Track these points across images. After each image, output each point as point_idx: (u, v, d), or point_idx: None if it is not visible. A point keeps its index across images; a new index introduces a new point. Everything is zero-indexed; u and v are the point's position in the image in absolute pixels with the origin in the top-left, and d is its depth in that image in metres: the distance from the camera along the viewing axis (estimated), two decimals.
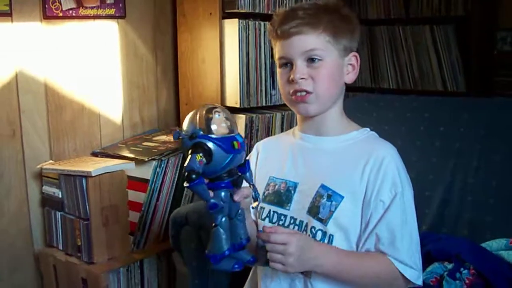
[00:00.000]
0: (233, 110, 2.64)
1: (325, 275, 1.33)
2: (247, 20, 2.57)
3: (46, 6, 2.33)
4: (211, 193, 1.21)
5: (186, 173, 1.13)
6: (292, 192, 1.46)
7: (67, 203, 2.30)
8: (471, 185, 1.89)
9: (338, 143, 1.46)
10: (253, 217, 1.53)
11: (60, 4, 2.37)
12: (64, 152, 2.48)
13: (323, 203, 1.38)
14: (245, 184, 1.32)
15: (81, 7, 2.44)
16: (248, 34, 2.57)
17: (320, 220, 1.38)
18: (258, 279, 1.50)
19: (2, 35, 2.23)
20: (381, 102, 2.18)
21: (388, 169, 1.37)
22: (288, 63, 1.42)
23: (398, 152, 1.43)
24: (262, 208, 1.50)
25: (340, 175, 1.41)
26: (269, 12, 2.64)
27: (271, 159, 1.57)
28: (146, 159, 2.33)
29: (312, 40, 1.38)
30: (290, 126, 2.77)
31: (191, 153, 1.15)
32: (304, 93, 1.39)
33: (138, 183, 2.36)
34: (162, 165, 2.37)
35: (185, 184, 1.14)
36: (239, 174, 1.27)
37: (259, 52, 2.63)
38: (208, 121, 1.18)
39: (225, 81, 2.63)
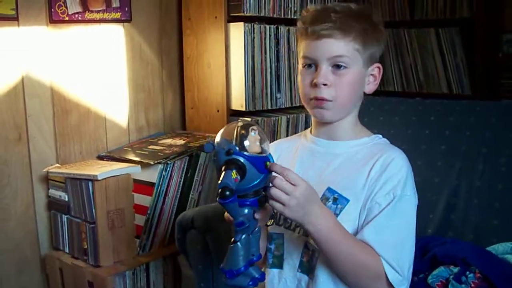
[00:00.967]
0: (239, 114, 2.65)
1: (315, 237, 1.28)
2: (252, 24, 2.57)
3: (52, 10, 2.34)
4: None
5: (220, 189, 1.11)
6: None
7: (73, 206, 2.30)
8: (477, 189, 1.89)
9: (348, 148, 1.45)
10: None
11: (66, 8, 2.38)
12: (70, 156, 2.49)
13: (329, 206, 1.38)
14: None
15: (87, 11, 2.45)
16: (254, 37, 2.58)
17: None
18: (265, 283, 1.50)
19: (8, 39, 2.25)
20: (386, 106, 2.18)
21: (392, 172, 1.36)
22: (312, 65, 1.40)
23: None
24: None
25: (346, 179, 1.40)
26: (274, 15, 2.65)
27: (281, 161, 1.56)
28: (152, 163, 2.34)
29: (341, 47, 1.36)
30: (296, 129, 2.77)
31: (225, 169, 1.14)
32: (322, 100, 1.38)
33: (144, 187, 2.36)
34: (168, 169, 2.37)
35: (218, 200, 1.13)
36: (264, 194, 1.25)
37: (264, 55, 2.64)
38: (243, 137, 1.17)
39: (230, 85, 2.64)
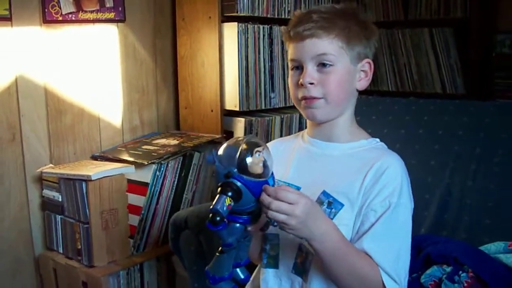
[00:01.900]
0: (233, 113, 2.65)
1: (321, 255, 1.26)
2: (246, 24, 2.58)
3: (46, 10, 2.33)
4: None
5: (210, 214, 1.10)
6: None
7: (67, 206, 2.30)
8: (470, 188, 1.89)
9: (345, 150, 1.45)
10: None
11: (60, 8, 2.37)
12: (64, 156, 2.49)
13: (323, 209, 1.37)
14: None
15: (80, 11, 2.45)
16: (247, 37, 2.58)
17: None
18: (260, 281, 1.50)
19: (2, 40, 2.24)
20: (380, 106, 2.18)
21: (388, 179, 1.35)
22: (299, 66, 1.41)
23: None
24: None
25: (342, 183, 1.40)
26: (268, 15, 2.65)
27: (277, 162, 1.56)
28: (146, 163, 2.33)
29: (325, 45, 1.36)
30: (289, 129, 2.78)
31: (220, 192, 1.12)
32: (312, 98, 1.38)
33: (137, 187, 2.36)
34: (162, 169, 2.37)
35: (208, 225, 1.11)
36: (258, 211, 1.23)
37: (258, 55, 2.64)
38: (246, 157, 1.15)
39: (224, 84, 2.64)
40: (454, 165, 1.94)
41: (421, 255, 1.72)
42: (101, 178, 2.23)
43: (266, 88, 2.70)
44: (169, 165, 2.40)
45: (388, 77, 3.51)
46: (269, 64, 2.70)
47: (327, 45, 1.36)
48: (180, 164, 2.45)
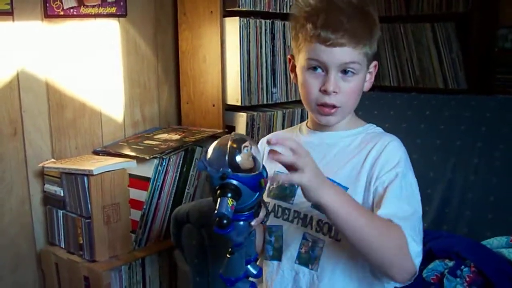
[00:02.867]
0: (234, 108, 2.65)
1: (335, 210, 1.20)
2: (248, 19, 2.57)
3: (47, 5, 2.33)
4: None
5: (217, 218, 1.08)
6: (296, 186, 1.46)
7: (68, 201, 2.30)
8: (472, 183, 1.90)
9: (343, 138, 1.45)
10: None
11: (61, 3, 2.37)
12: (66, 151, 2.49)
13: None
14: None
15: (82, 6, 2.44)
16: (249, 32, 2.57)
17: None
18: (264, 274, 1.51)
19: (3, 34, 2.24)
20: (382, 100, 2.18)
21: (391, 153, 1.36)
22: (319, 67, 1.37)
23: None
24: (268, 203, 1.51)
25: (343, 167, 1.40)
26: (270, 10, 2.64)
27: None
28: (148, 157, 2.33)
29: (353, 54, 1.33)
30: (291, 123, 2.78)
31: (220, 195, 1.11)
32: (332, 107, 1.37)
33: (139, 181, 2.36)
34: (164, 163, 2.37)
35: (215, 229, 1.10)
36: (259, 204, 1.24)
37: (260, 50, 2.63)
38: (235, 156, 1.14)
39: (226, 79, 2.63)
40: (456, 160, 1.94)
41: (423, 250, 1.72)
42: (103, 172, 2.23)
43: (268, 83, 2.69)
44: (171, 159, 2.40)
45: (390, 72, 3.51)
46: (271, 59, 2.69)
47: (355, 54, 1.33)
48: (181, 159, 2.45)
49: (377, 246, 1.24)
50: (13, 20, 2.25)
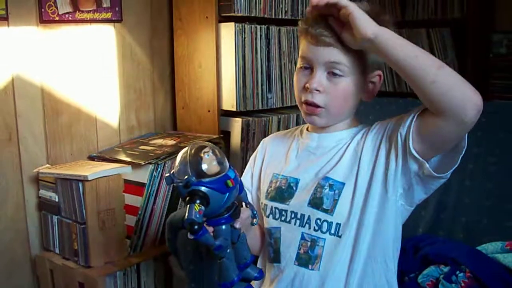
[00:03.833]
0: (230, 114, 2.65)
1: (385, 41, 1.21)
2: (243, 24, 2.57)
3: (43, 10, 2.32)
4: (211, 231, 1.22)
5: (188, 225, 1.12)
6: (294, 188, 1.47)
7: (63, 207, 2.29)
8: (467, 188, 1.90)
9: (339, 139, 1.46)
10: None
11: (57, 8, 2.37)
12: (61, 156, 2.48)
13: (326, 193, 1.38)
14: None
15: (77, 11, 2.44)
16: (244, 37, 2.57)
17: (325, 210, 1.38)
18: (267, 277, 1.51)
19: None
20: (377, 106, 2.18)
21: (377, 122, 1.42)
22: (308, 66, 1.39)
23: None
24: (266, 205, 1.51)
25: (339, 165, 1.41)
26: (265, 15, 2.64)
27: (276, 156, 1.57)
28: (143, 163, 2.33)
29: (340, 55, 1.33)
30: (286, 129, 2.76)
31: (188, 202, 1.14)
32: (314, 107, 1.38)
33: (134, 187, 2.36)
34: (159, 169, 2.37)
35: (189, 236, 1.14)
36: (237, 204, 1.27)
37: (255, 55, 2.63)
38: (199, 163, 1.17)
39: (221, 85, 2.63)
40: None
41: (418, 255, 1.73)
42: (98, 178, 2.22)
43: (263, 89, 2.69)
44: (166, 165, 2.40)
45: (385, 78, 3.50)
46: (266, 64, 2.69)
47: (342, 55, 1.33)
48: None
49: (446, 74, 1.20)
50: (8, 25, 2.25)
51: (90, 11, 2.49)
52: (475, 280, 1.56)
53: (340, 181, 1.39)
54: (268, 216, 1.51)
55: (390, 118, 1.39)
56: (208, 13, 2.59)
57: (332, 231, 1.38)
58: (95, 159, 2.52)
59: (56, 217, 2.34)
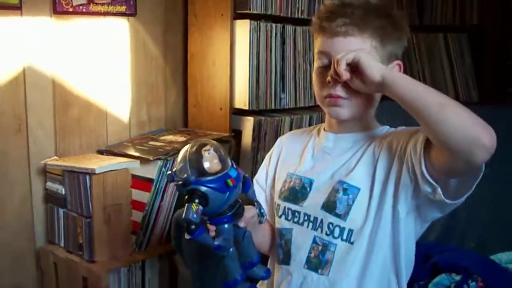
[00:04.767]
0: (241, 112, 2.62)
1: (397, 82, 1.22)
2: (258, 22, 2.54)
3: (57, 1, 2.31)
4: (213, 230, 1.20)
5: (185, 224, 1.11)
6: (308, 189, 1.45)
7: (70, 200, 2.27)
8: (480, 196, 1.86)
9: (356, 140, 1.43)
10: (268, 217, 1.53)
11: None
12: (70, 149, 2.46)
13: (340, 197, 1.36)
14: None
15: (91, 3, 2.42)
16: (259, 35, 2.55)
17: (338, 215, 1.36)
18: (274, 278, 1.49)
19: (11, 29, 2.22)
20: (393, 109, 2.15)
21: (393, 131, 1.40)
22: (326, 64, 1.37)
23: None
24: (279, 205, 1.49)
25: (355, 169, 1.39)
26: (281, 14, 2.62)
27: (292, 155, 1.56)
28: (151, 158, 2.30)
29: (357, 44, 1.32)
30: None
31: (186, 202, 1.13)
32: (337, 97, 1.36)
33: (142, 182, 2.33)
34: (168, 165, 2.34)
35: (186, 236, 1.13)
36: (240, 203, 1.25)
37: (269, 54, 2.61)
38: (199, 161, 1.16)
39: (234, 83, 2.61)
40: None
41: (429, 263, 1.70)
42: (105, 172, 2.20)
43: (276, 88, 2.66)
44: (175, 161, 2.37)
45: None
46: (281, 64, 2.66)
47: (360, 44, 1.32)
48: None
49: (449, 113, 1.17)
50: (22, 14, 2.23)
51: (105, 3, 2.47)
52: None
53: (356, 186, 1.36)
54: (280, 217, 1.49)
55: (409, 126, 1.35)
56: (224, 10, 2.57)
57: (344, 237, 1.36)
58: (104, 153, 2.50)
59: (62, 210, 2.32)
